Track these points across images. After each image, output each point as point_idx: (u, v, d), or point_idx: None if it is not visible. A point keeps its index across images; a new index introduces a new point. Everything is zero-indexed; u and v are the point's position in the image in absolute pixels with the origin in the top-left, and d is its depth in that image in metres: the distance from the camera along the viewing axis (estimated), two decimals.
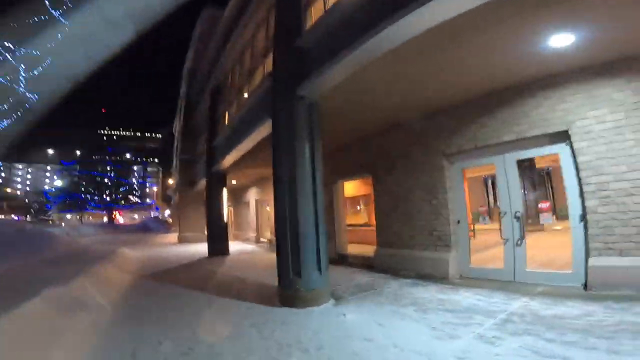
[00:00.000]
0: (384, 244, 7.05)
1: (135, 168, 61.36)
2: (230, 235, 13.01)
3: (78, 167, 48.07)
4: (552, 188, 10.84)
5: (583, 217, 4.38)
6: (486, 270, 5.44)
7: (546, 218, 5.46)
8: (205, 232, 12.94)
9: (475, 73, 4.67)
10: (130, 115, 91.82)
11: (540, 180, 10.99)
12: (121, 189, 48.52)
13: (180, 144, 20.43)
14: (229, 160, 10.00)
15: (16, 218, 48.90)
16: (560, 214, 8.67)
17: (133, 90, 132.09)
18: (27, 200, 58.91)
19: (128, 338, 3.47)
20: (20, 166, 76.19)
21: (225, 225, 11.82)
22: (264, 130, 6.52)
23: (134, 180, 56.05)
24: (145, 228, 30.55)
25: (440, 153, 5.92)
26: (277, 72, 5.42)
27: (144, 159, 71.63)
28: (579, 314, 3.43)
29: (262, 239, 15.18)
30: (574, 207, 4.51)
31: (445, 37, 3.68)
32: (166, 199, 44.43)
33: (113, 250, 11.43)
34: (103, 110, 79.37)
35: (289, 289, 4.63)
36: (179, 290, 5.87)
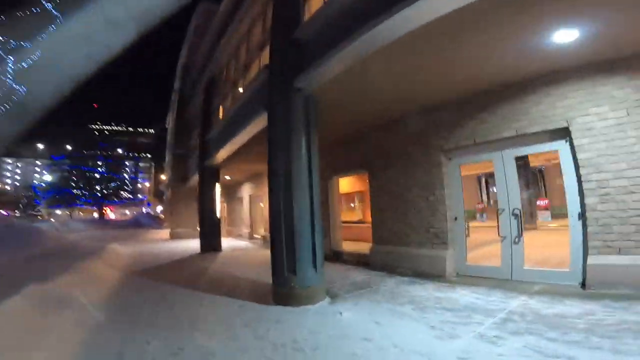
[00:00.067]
0: (379, 241, 6.96)
1: (127, 163, 60.38)
2: (223, 232, 12.86)
3: (68, 162, 47.03)
4: (544, 187, 10.90)
5: (582, 215, 4.33)
6: (483, 268, 5.38)
7: (545, 216, 5.42)
8: (198, 228, 12.76)
9: (475, 68, 4.59)
10: (123, 110, 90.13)
11: (533, 179, 11.03)
12: (112, 184, 47.75)
13: (173, 139, 20.15)
14: (222, 154, 9.83)
15: (5, 213, 47.90)
16: (553, 212, 8.68)
17: (126, 85, 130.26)
18: (16, 196, 57.74)
19: (114, 337, 3.32)
20: (9, 160, 74.58)
21: (218, 221, 11.66)
22: (259, 123, 6.38)
23: (125, 175, 55.15)
24: (137, 224, 30.16)
25: (438, 149, 5.84)
26: (274, 64, 5.30)
27: (136, 154, 70.54)
28: (579, 312, 3.38)
29: (255, 235, 15.04)
30: (572, 204, 4.46)
31: (445, 32, 3.60)
32: (158, 195, 43.98)
33: (102, 246, 11.18)
34: (95, 106, 77.79)
35: (283, 286, 4.51)
36: (170, 288, 5.71)
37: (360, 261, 7.36)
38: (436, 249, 5.75)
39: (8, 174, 74.90)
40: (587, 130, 4.29)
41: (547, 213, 5.53)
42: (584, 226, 4.29)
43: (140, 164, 69.86)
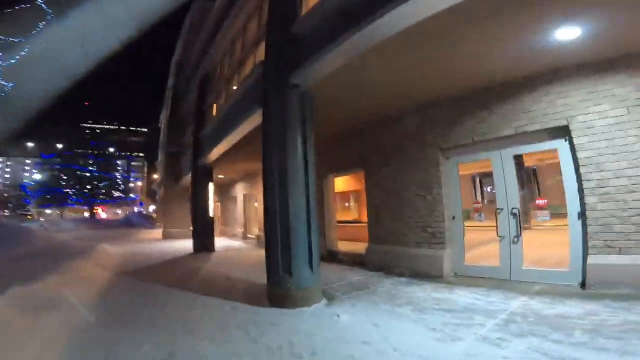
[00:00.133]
0: (376, 240, 6.87)
1: (119, 162, 59.50)
2: (216, 231, 12.67)
3: (59, 161, 46.09)
4: (538, 187, 10.93)
5: (581, 215, 4.28)
6: (481, 268, 5.32)
7: (544, 215, 5.38)
8: (191, 228, 12.55)
9: (475, 65, 4.52)
10: (115, 109, 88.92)
11: (527, 179, 11.07)
12: (103, 184, 47.00)
13: (166, 137, 19.85)
14: (216, 152, 9.65)
15: None
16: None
17: (118, 83, 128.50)
18: (5, 195, 56.56)
19: (102, 341, 3.17)
20: None
21: (212, 221, 11.46)
22: (254, 120, 6.24)
23: (117, 174, 54.32)
24: (129, 223, 29.69)
25: (436, 147, 5.76)
26: (269, 60, 5.18)
27: (129, 153, 69.70)
28: (582, 313, 3.32)
29: (249, 235, 14.86)
30: (572, 204, 4.41)
31: (443, 28, 3.54)
32: (151, 194, 43.37)
33: (93, 245, 10.93)
34: (87, 104, 76.54)
35: (278, 287, 4.38)
36: (161, 289, 5.54)
37: (356, 261, 7.26)
38: (434, 249, 5.67)
39: None
40: (587, 128, 4.24)
41: (546, 212, 5.49)
42: (584, 226, 4.24)
43: (133, 163, 69.03)
